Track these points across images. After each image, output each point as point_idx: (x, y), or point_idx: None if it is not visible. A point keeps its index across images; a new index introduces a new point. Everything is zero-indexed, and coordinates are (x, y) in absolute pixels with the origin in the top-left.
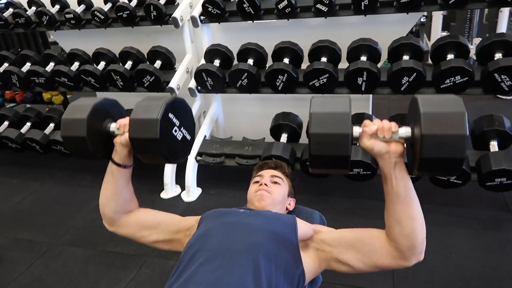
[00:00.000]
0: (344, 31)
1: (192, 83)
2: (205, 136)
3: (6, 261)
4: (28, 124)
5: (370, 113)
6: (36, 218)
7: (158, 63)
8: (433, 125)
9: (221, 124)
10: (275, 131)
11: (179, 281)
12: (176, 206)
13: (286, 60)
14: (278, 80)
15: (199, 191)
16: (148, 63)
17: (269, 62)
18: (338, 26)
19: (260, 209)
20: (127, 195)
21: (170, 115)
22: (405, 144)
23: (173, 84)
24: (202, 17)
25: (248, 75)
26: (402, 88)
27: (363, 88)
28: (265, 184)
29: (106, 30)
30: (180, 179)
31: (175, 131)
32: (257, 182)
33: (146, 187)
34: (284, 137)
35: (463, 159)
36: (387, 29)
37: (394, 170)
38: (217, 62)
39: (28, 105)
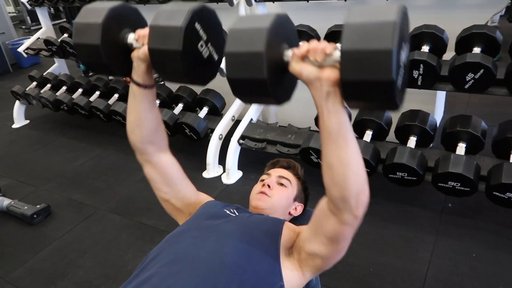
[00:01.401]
0: (412, 15)
1: None
2: (251, 120)
3: (57, 218)
4: (97, 93)
5: (436, 109)
6: (91, 182)
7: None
8: (354, 39)
9: (272, 108)
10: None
11: (138, 279)
12: (214, 186)
13: (338, 45)
14: None
15: (239, 174)
16: None
17: None
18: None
19: (257, 211)
20: (153, 122)
21: (197, 25)
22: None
23: (222, 64)
24: None
25: None
26: (466, 86)
27: (419, 83)
28: (268, 186)
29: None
30: (224, 159)
31: (201, 46)
32: (262, 180)
33: (191, 164)
34: (367, 135)
35: (391, 82)
36: (463, 14)
37: (327, 102)
38: None
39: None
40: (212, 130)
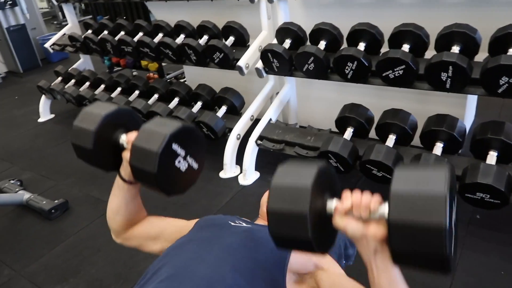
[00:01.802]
0: (444, 12)
1: (260, 64)
2: (270, 120)
3: (74, 214)
4: (118, 89)
5: (466, 113)
6: (109, 178)
7: (231, 39)
8: (402, 209)
9: (293, 108)
10: (340, 123)
11: None
12: (230, 187)
13: (361, 45)
14: (347, 67)
15: (256, 175)
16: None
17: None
18: (437, 6)
19: (266, 217)
20: (134, 209)
21: (174, 146)
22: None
23: (241, 62)
24: None
25: (315, 59)
26: (500, 90)
27: (447, 86)
28: None
29: (189, 3)
30: (241, 160)
31: (179, 162)
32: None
33: (208, 164)
34: (349, 132)
35: (444, 257)
36: (497, 12)
37: (375, 258)
38: (287, 42)
39: (134, 72)
40: (230, 130)
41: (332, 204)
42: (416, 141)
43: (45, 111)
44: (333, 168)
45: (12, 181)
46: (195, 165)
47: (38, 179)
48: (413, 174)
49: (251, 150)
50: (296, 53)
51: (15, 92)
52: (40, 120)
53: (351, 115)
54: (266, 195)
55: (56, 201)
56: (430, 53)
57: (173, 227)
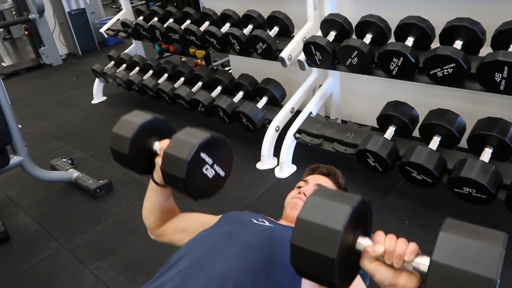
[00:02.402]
0: (504, 6)
1: (302, 56)
2: (310, 113)
3: (117, 194)
4: (165, 75)
5: None
6: None
7: (275, 30)
8: (441, 282)
9: (335, 102)
10: (382, 121)
11: (157, 281)
12: (266, 179)
13: (410, 40)
14: (392, 63)
15: (293, 168)
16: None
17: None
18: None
19: (289, 219)
20: (166, 210)
21: (202, 155)
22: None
23: (284, 54)
24: None
25: (359, 53)
26: None
27: (501, 87)
28: (304, 194)
29: None
30: (279, 152)
31: (206, 169)
32: (299, 187)
33: (246, 154)
34: (390, 131)
35: None
36: None
37: None
38: (332, 35)
39: (183, 58)
40: (270, 121)
41: (363, 243)
42: (463, 143)
43: (98, 93)
44: (368, 202)
45: (64, 159)
46: (221, 173)
47: (87, 158)
48: (462, 243)
49: (289, 143)
50: (340, 46)
51: (74, 73)
52: (93, 102)
53: (394, 113)
54: (289, 197)
55: (101, 181)
56: (486, 50)
57: (199, 220)
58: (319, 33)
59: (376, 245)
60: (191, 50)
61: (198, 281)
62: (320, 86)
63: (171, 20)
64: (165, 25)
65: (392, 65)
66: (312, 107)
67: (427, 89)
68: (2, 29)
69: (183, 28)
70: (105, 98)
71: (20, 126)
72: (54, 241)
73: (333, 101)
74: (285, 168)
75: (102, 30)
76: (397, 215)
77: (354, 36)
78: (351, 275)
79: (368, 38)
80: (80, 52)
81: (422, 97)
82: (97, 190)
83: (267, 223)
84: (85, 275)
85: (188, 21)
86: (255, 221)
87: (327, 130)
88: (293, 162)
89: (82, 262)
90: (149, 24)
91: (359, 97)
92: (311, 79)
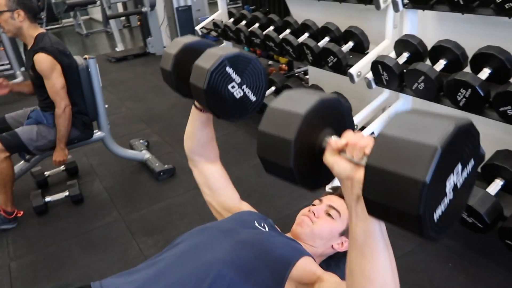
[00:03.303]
0: None
1: (371, 74)
2: (372, 133)
3: (177, 180)
4: None
5: None
6: None
7: (349, 45)
8: (383, 154)
9: None
10: (488, 171)
11: (156, 258)
12: (316, 191)
13: (485, 71)
14: (459, 94)
15: None
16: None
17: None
18: None
19: (293, 234)
20: (203, 139)
21: (228, 69)
22: None
23: (353, 70)
24: (405, 1)
25: (426, 78)
26: None
27: None
28: (313, 213)
29: (320, 2)
30: None
31: (233, 87)
32: (313, 205)
33: None
34: (496, 184)
35: (417, 217)
36: None
37: (356, 205)
38: (404, 56)
39: (270, 62)
40: None
41: (328, 139)
42: None
43: None
44: (348, 104)
45: (141, 141)
46: (252, 97)
47: (161, 143)
48: (413, 119)
49: None
50: (407, 69)
51: None
52: None
53: (503, 165)
54: (300, 212)
55: (166, 166)
56: None
57: (229, 195)
58: (393, 53)
59: (342, 138)
60: (275, 55)
61: (187, 266)
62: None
63: (256, 25)
64: (249, 29)
65: (459, 96)
66: (375, 127)
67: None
68: (123, 18)
69: (264, 34)
70: None
71: (106, 106)
72: (116, 212)
73: None
74: (336, 182)
75: (197, 27)
76: (442, 256)
77: (428, 61)
78: (318, 178)
79: (441, 64)
80: None
81: (502, 134)
82: (161, 173)
83: (266, 229)
84: (132, 246)
85: (271, 27)
86: (256, 224)
87: None
88: None
89: (133, 235)
90: (236, 27)
91: None
92: (382, 98)
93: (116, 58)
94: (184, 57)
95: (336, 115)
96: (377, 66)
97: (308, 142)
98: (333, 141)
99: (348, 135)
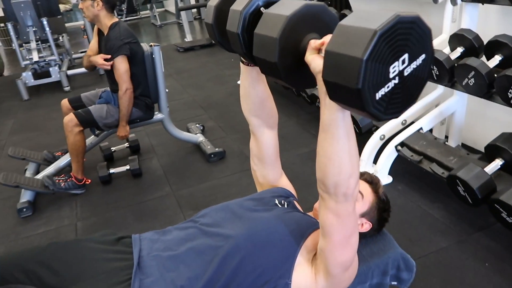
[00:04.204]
0: None
1: None
2: (420, 129)
3: (226, 163)
4: None
5: None
6: None
7: None
8: (337, 41)
9: (457, 124)
10: (490, 151)
11: (182, 225)
12: None
13: None
14: (510, 91)
15: (388, 179)
16: None
17: None
18: None
19: (315, 211)
20: (256, 98)
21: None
22: None
23: None
24: None
25: (476, 74)
26: None
27: None
28: None
29: None
30: None
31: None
32: None
33: None
34: (495, 164)
35: (357, 90)
36: None
37: (325, 96)
38: (458, 51)
39: None
40: (378, 128)
41: (308, 44)
42: None
43: None
44: (337, 15)
45: (197, 125)
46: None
47: (215, 128)
48: (368, 13)
49: (389, 153)
50: (457, 65)
51: (234, 55)
52: (239, 82)
53: (504, 146)
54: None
55: (217, 149)
56: None
57: (270, 170)
58: (447, 48)
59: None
60: None
61: (211, 235)
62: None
63: None
64: None
65: (510, 93)
66: (424, 123)
67: None
68: (194, 10)
69: None
70: None
71: (167, 90)
72: (169, 187)
73: (455, 122)
74: (380, 177)
75: None
76: (479, 256)
77: (484, 57)
78: (302, 77)
79: (495, 60)
80: None
81: None
82: (212, 156)
83: (285, 207)
84: (179, 218)
85: None
86: (276, 202)
87: (430, 149)
88: (390, 173)
89: (181, 208)
90: None
91: (489, 124)
92: (434, 94)
93: (184, 48)
94: (224, 8)
95: (323, 22)
96: None
97: (293, 42)
98: (313, 41)
99: (327, 37)
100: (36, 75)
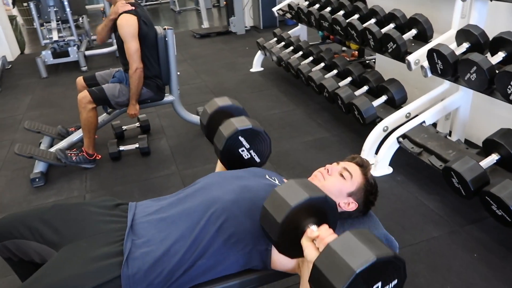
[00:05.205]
0: None
1: (427, 62)
2: (423, 122)
3: None
4: (310, 58)
5: None
6: (270, 129)
7: (412, 32)
8: (325, 261)
9: (461, 120)
10: (487, 146)
11: (180, 190)
12: None
13: None
14: (510, 87)
15: (388, 170)
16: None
17: None
18: None
19: None
20: None
21: (241, 138)
22: None
23: (411, 57)
24: None
25: (477, 69)
26: None
27: None
28: (328, 170)
29: None
30: None
31: (243, 150)
32: (329, 165)
33: (352, 145)
34: (491, 158)
35: None
36: None
37: (307, 276)
38: (464, 46)
39: (343, 48)
40: (382, 120)
41: (306, 227)
42: None
43: (257, 64)
44: (332, 203)
45: None
46: (257, 159)
47: None
48: (354, 241)
49: (390, 144)
50: (460, 59)
51: (249, 43)
52: (251, 70)
53: (500, 141)
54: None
55: None
56: None
57: None
58: (454, 44)
59: (318, 230)
60: (347, 42)
61: (198, 198)
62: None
63: (327, 9)
64: (320, 13)
65: (509, 89)
66: (427, 117)
67: None
68: None
69: (332, 18)
70: (262, 69)
71: (178, 73)
72: (175, 166)
73: (458, 117)
74: (380, 168)
75: (274, 9)
76: (468, 246)
77: (488, 53)
78: (295, 250)
79: (499, 57)
80: (262, 26)
81: None
82: None
83: (276, 182)
84: None
85: (341, 12)
86: (267, 177)
87: (430, 142)
88: (390, 164)
89: (184, 186)
90: (308, 9)
91: (494, 120)
92: (440, 89)
93: (200, 35)
94: (215, 116)
95: (322, 210)
96: (433, 54)
97: (290, 224)
98: (310, 230)
99: (322, 229)
100: (56, 54)
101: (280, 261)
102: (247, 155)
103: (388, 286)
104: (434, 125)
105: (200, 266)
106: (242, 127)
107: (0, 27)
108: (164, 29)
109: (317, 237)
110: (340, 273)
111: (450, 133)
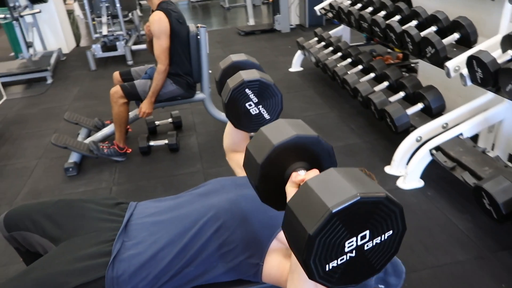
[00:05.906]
0: None
1: (466, 70)
2: (460, 134)
3: None
4: (348, 60)
5: None
6: None
7: (454, 36)
8: (299, 202)
9: (504, 133)
10: None
11: (180, 194)
12: (384, 184)
13: None
14: None
15: (419, 183)
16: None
17: None
18: None
19: None
20: (237, 139)
21: (247, 91)
22: None
23: (450, 63)
24: None
25: None
26: None
27: None
28: None
29: None
30: None
31: (250, 105)
32: None
33: (383, 154)
34: None
35: (304, 262)
36: None
37: None
38: (509, 54)
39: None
40: (416, 128)
41: (292, 172)
42: None
43: (296, 63)
44: (327, 145)
45: None
46: (266, 115)
47: None
48: (337, 178)
49: (422, 156)
50: (500, 68)
51: (293, 42)
52: (290, 69)
53: None
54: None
55: (252, 133)
56: None
57: None
58: (499, 51)
59: (304, 174)
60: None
61: (196, 204)
62: None
63: (369, 9)
64: (360, 13)
65: None
66: (466, 129)
67: None
68: None
69: (371, 18)
70: (301, 69)
71: (210, 71)
72: (200, 164)
73: (502, 131)
74: (410, 180)
75: (316, 8)
76: (496, 275)
77: None
78: (280, 200)
79: None
80: (307, 25)
81: None
82: None
83: None
84: None
85: (382, 12)
86: None
87: (465, 156)
88: (423, 178)
89: None
90: (348, 9)
91: None
92: (483, 99)
93: (245, 32)
94: (229, 71)
95: (313, 152)
96: (472, 61)
97: (277, 169)
98: (294, 174)
99: (310, 174)
100: (105, 48)
101: (272, 275)
102: (255, 110)
103: (379, 237)
104: (476, 137)
105: (187, 274)
106: (249, 78)
107: (58, 21)
108: (197, 27)
109: (303, 181)
110: (313, 214)
111: (493, 147)
